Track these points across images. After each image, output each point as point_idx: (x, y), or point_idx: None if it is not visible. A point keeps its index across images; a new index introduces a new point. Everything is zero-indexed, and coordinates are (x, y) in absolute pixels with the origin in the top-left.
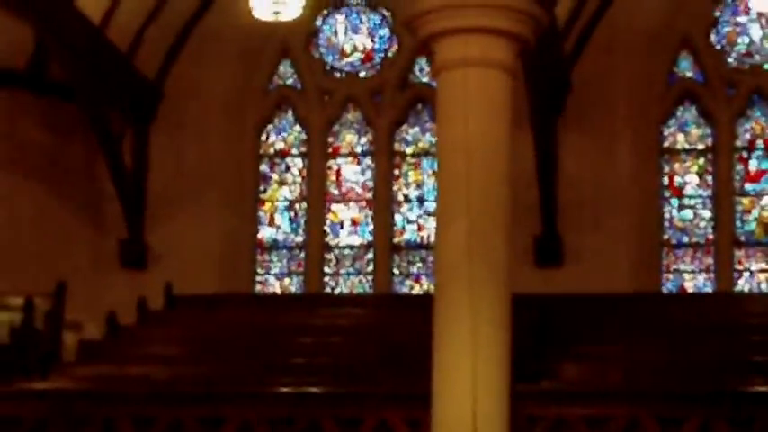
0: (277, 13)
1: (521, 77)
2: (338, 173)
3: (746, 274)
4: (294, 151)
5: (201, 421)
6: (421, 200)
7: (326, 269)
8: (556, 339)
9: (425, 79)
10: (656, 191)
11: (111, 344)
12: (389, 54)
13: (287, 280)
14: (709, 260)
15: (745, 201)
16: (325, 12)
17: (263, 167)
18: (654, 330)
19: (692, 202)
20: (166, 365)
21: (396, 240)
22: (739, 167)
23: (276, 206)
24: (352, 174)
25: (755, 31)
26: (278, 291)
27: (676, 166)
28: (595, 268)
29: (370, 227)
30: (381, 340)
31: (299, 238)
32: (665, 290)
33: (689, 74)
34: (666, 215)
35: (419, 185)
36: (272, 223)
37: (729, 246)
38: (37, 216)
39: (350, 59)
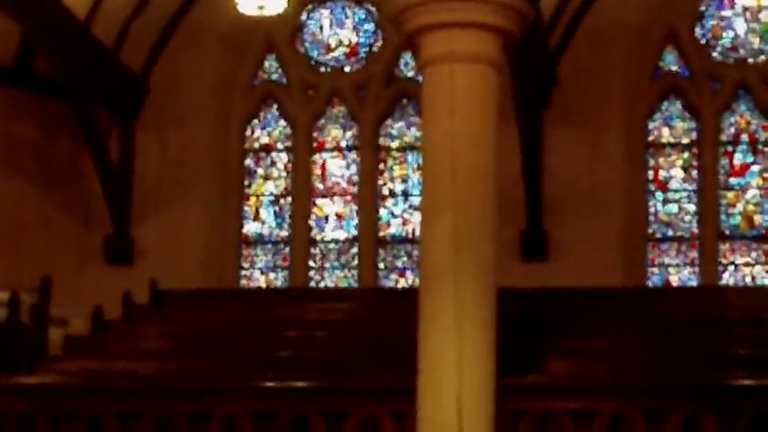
0: (262, 7)
1: (506, 72)
2: (323, 167)
3: (731, 267)
4: (279, 146)
5: (188, 416)
6: (406, 194)
7: (312, 263)
8: (541, 334)
9: (411, 74)
10: (641, 185)
11: (98, 339)
12: (375, 49)
13: (272, 274)
14: (694, 254)
15: (730, 194)
16: (310, 6)
17: (249, 162)
18: (639, 324)
19: (677, 195)
20: (153, 360)
21: (381, 234)
22: (724, 161)
23: (261, 201)
24: (338, 168)
25: (740, 26)
26: (263, 285)
27: (661, 159)
28: (581, 262)
29: (356, 221)
30: (367, 334)
31: (285, 233)
32: (650, 284)
33: (674, 68)
34: (651, 209)
35: (404, 180)
36: (257, 218)
37: (714, 240)
38: (23, 211)
39: (335, 54)
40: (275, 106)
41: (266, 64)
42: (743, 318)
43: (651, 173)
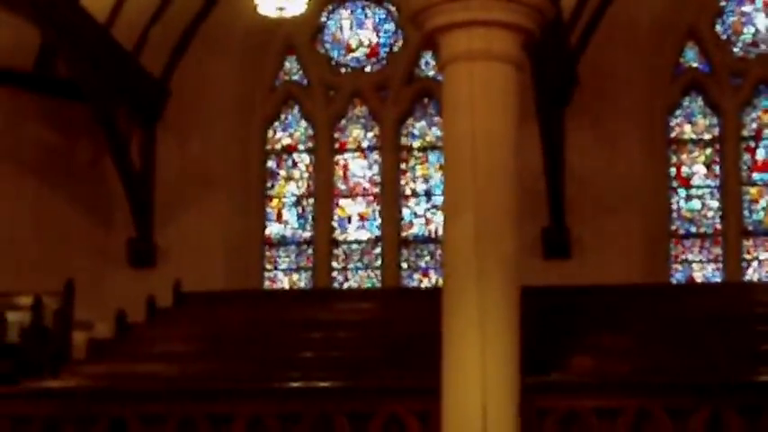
0: (281, 9)
1: (527, 70)
2: (345, 168)
3: (755, 263)
4: (301, 147)
5: (212, 418)
6: (428, 194)
7: (335, 264)
8: (565, 331)
9: (431, 73)
10: (663, 181)
11: (121, 342)
12: (395, 48)
13: (295, 275)
14: (718, 250)
15: (753, 190)
16: (330, 7)
17: (271, 164)
18: (663, 321)
19: (700, 192)
20: (176, 363)
21: (404, 234)
22: (746, 157)
23: (284, 202)
24: (360, 168)
25: (761, 21)
26: (286, 286)
27: (683, 156)
28: (604, 260)
29: (378, 221)
30: (390, 334)
31: (307, 234)
32: (673, 280)
33: (695, 64)
34: (674, 205)
35: (426, 179)
36: (279, 219)
37: (737, 236)
38: (45, 215)
39: (355, 54)
40: (296, 107)
41: (287, 65)
42: (767, 314)
43: (673, 169)
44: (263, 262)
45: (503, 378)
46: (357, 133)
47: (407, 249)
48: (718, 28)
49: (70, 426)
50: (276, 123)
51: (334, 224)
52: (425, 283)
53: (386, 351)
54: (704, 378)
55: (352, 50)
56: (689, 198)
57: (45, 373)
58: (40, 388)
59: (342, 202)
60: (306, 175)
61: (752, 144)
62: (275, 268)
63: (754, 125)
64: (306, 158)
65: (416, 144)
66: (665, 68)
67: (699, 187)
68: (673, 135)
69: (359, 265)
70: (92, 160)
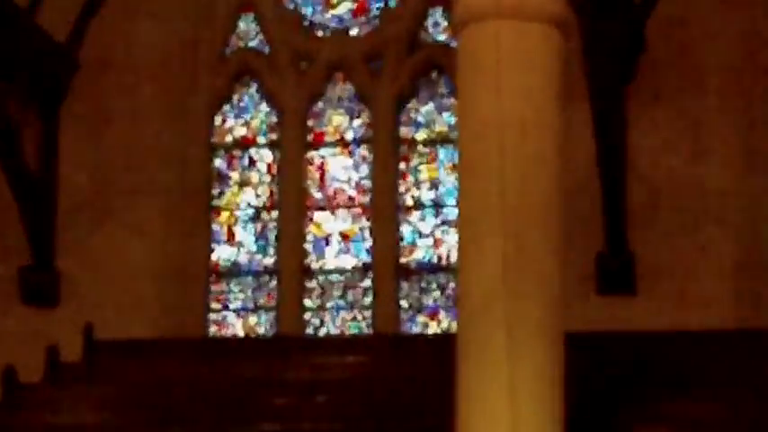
0: None
1: (575, 33)
2: (322, 169)
3: None
4: (261, 140)
5: None
6: (437, 205)
7: (308, 302)
8: (627, 394)
9: (442, 37)
10: (765, 188)
11: (10, 410)
12: (391, 3)
13: (253, 318)
14: None
15: None
16: None
17: (219, 163)
18: (764, 380)
19: None
20: None
21: (403, 261)
22: None
23: (237, 216)
24: (342, 170)
25: None
26: (241, 333)
27: None
28: (681, 297)
29: (368, 243)
30: (384, 398)
31: (269, 260)
32: None
33: None
34: None
35: (435, 185)
36: (231, 240)
37: None
38: None
39: (337, 12)
40: (254, 85)
41: (241, 26)
42: None
43: None
44: (208, 299)
45: None
46: (339, 121)
47: (408, 282)
48: None
49: None
50: (226, 108)
51: (307, 247)
52: (434, 329)
53: (379, 421)
54: None
55: (333, 6)
56: None
57: None
58: None
59: (317, 216)
60: (267, 178)
61: None
62: (225, 308)
63: None
64: (267, 156)
65: (421, 136)
66: None
67: None
68: None
69: (341, 303)
70: None
